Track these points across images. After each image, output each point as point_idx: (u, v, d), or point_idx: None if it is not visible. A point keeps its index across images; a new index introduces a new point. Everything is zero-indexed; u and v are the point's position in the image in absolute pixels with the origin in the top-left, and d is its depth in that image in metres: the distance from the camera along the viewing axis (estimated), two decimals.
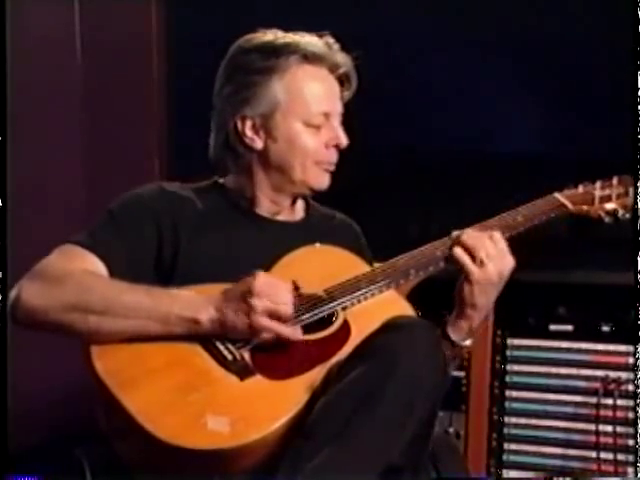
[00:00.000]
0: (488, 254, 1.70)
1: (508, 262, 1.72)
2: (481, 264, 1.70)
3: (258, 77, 1.78)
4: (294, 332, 1.61)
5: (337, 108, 1.83)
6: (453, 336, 1.75)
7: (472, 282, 1.70)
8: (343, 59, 1.83)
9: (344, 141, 1.82)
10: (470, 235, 1.73)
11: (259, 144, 1.80)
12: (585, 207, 1.87)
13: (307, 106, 1.79)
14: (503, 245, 1.73)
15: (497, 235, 1.73)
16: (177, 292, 1.63)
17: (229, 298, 1.59)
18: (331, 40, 1.82)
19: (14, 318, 1.65)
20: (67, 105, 2.80)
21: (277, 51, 1.79)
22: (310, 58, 1.80)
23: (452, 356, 1.77)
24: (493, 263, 1.70)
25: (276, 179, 1.82)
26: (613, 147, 2.06)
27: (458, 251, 1.72)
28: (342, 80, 1.84)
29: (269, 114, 1.79)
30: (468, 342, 1.77)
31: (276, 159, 1.81)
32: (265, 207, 1.85)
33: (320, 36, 1.82)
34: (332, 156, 1.82)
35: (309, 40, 1.81)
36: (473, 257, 1.70)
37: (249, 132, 1.80)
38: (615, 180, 1.88)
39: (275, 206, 1.86)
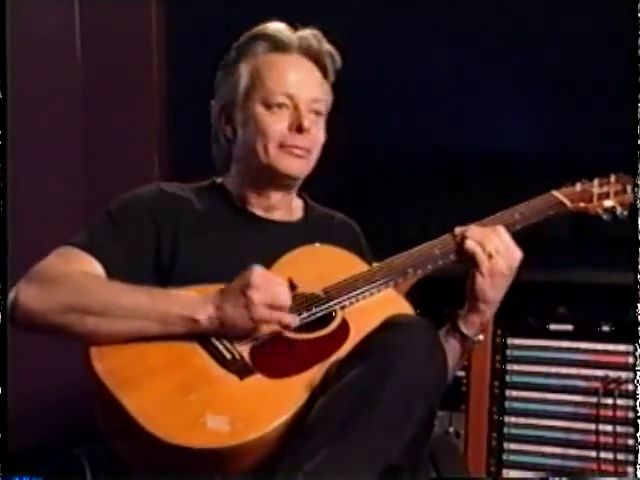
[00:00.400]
0: (496, 247, 1.73)
1: (516, 254, 1.75)
2: (490, 257, 1.72)
3: (231, 68, 1.82)
4: (294, 318, 1.61)
5: (308, 94, 1.80)
6: (466, 331, 1.78)
7: (484, 275, 1.73)
8: (320, 46, 1.83)
9: (305, 124, 1.78)
10: (476, 230, 1.76)
11: (230, 133, 1.83)
12: (583, 204, 1.87)
13: (266, 86, 1.79)
14: (507, 238, 1.75)
15: (501, 229, 1.75)
16: (175, 292, 1.63)
17: (227, 294, 1.59)
18: (313, 31, 1.83)
19: (12, 320, 1.65)
20: (67, 105, 2.80)
21: (247, 41, 1.82)
22: (278, 45, 1.81)
23: (462, 352, 1.79)
24: (501, 256, 1.73)
25: (248, 168, 1.83)
26: (612, 145, 2.06)
27: (470, 244, 1.74)
28: (324, 69, 1.84)
29: (235, 101, 1.81)
30: (481, 337, 1.80)
31: (243, 145, 1.82)
32: (256, 204, 1.85)
33: (304, 27, 1.83)
34: (297, 140, 1.79)
35: (276, 27, 1.82)
36: (483, 250, 1.73)
37: (223, 123, 1.83)
38: (613, 178, 1.89)
39: (265, 200, 1.85)
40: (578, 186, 1.89)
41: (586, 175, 1.91)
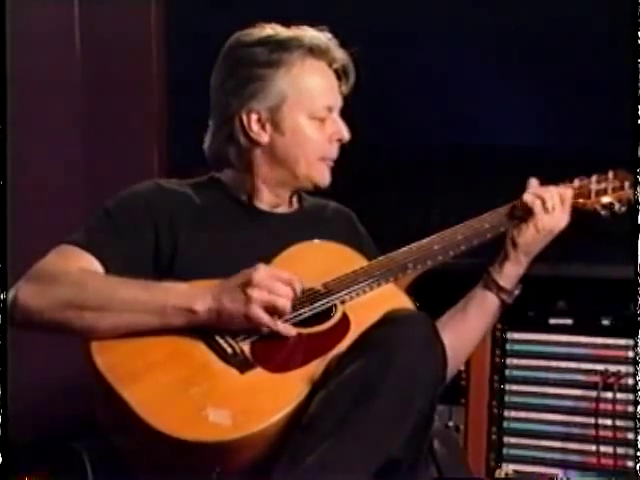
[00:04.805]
0: (554, 205, 1.81)
1: (566, 217, 1.84)
2: (547, 212, 1.81)
3: (264, 70, 1.79)
4: (286, 328, 1.61)
5: (338, 102, 1.85)
6: (504, 283, 1.84)
7: (537, 228, 1.81)
8: (341, 54, 1.84)
9: (347, 135, 1.83)
10: (540, 187, 1.85)
11: (265, 138, 1.81)
12: (581, 200, 1.89)
13: (312, 99, 1.80)
14: (568, 204, 1.84)
15: (561, 189, 1.84)
16: (172, 284, 1.64)
17: (227, 287, 1.59)
18: (329, 35, 1.83)
19: (12, 320, 1.64)
20: (67, 103, 2.80)
21: (282, 45, 1.80)
22: (315, 52, 1.81)
23: (500, 307, 1.87)
24: (556, 214, 1.82)
25: (280, 173, 1.84)
26: (611, 142, 2.06)
27: (530, 196, 1.82)
28: (339, 74, 1.85)
29: (275, 108, 1.79)
30: (517, 291, 1.87)
31: (281, 153, 1.82)
32: (265, 200, 1.86)
33: (318, 31, 1.83)
34: (334, 151, 1.84)
35: (313, 34, 1.82)
36: (544, 204, 1.81)
37: (255, 126, 1.81)
38: (611, 174, 1.90)
39: (276, 199, 1.87)
40: (576, 182, 1.91)
41: (584, 171, 1.92)
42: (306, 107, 1.80)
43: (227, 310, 1.58)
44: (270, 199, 1.86)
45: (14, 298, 1.64)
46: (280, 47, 1.80)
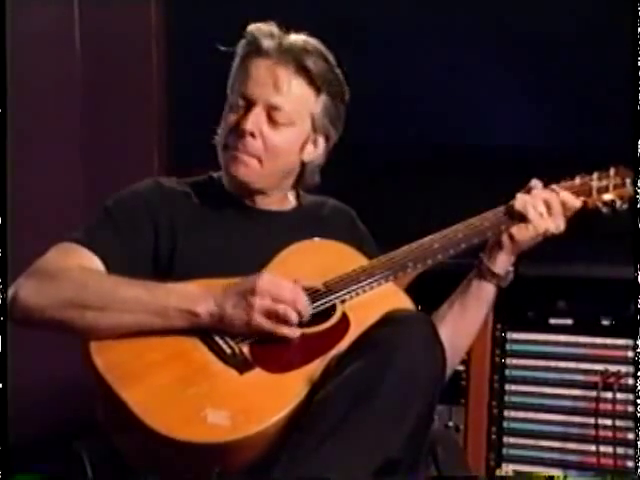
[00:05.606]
0: (542, 212, 1.80)
1: (562, 222, 1.81)
2: (541, 215, 1.79)
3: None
4: (291, 331, 1.60)
5: (265, 98, 1.75)
6: (499, 270, 1.82)
7: (537, 231, 1.79)
8: (306, 54, 1.77)
9: (246, 126, 1.74)
10: (530, 194, 1.82)
11: None
12: (582, 198, 1.88)
13: (232, 87, 1.80)
14: (556, 208, 1.81)
15: (559, 190, 1.82)
16: (174, 285, 1.63)
17: (230, 293, 1.59)
18: (304, 37, 1.79)
19: (12, 317, 1.64)
20: (67, 103, 2.81)
21: (242, 39, 1.80)
22: (255, 49, 1.77)
23: (496, 293, 1.84)
24: (550, 218, 1.80)
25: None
26: (612, 139, 2.06)
27: (520, 203, 1.80)
28: (311, 78, 1.78)
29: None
30: (511, 276, 1.85)
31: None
32: (256, 198, 1.84)
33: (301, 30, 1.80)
34: (239, 143, 1.76)
35: (257, 31, 1.78)
36: (535, 210, 1.79)
37: None
38: (612, 171, 1.88)
39: (255, 195, 1.84)
40: (577, 180, 1.89)
41: (585, 169, 1.92)
42: (228, 95, 1.80)
43: (229, 316, 1.58)
44: (258, 196, 1.84)
45: (14, 295, 1.63)
46: (240, 42, 1.81)
